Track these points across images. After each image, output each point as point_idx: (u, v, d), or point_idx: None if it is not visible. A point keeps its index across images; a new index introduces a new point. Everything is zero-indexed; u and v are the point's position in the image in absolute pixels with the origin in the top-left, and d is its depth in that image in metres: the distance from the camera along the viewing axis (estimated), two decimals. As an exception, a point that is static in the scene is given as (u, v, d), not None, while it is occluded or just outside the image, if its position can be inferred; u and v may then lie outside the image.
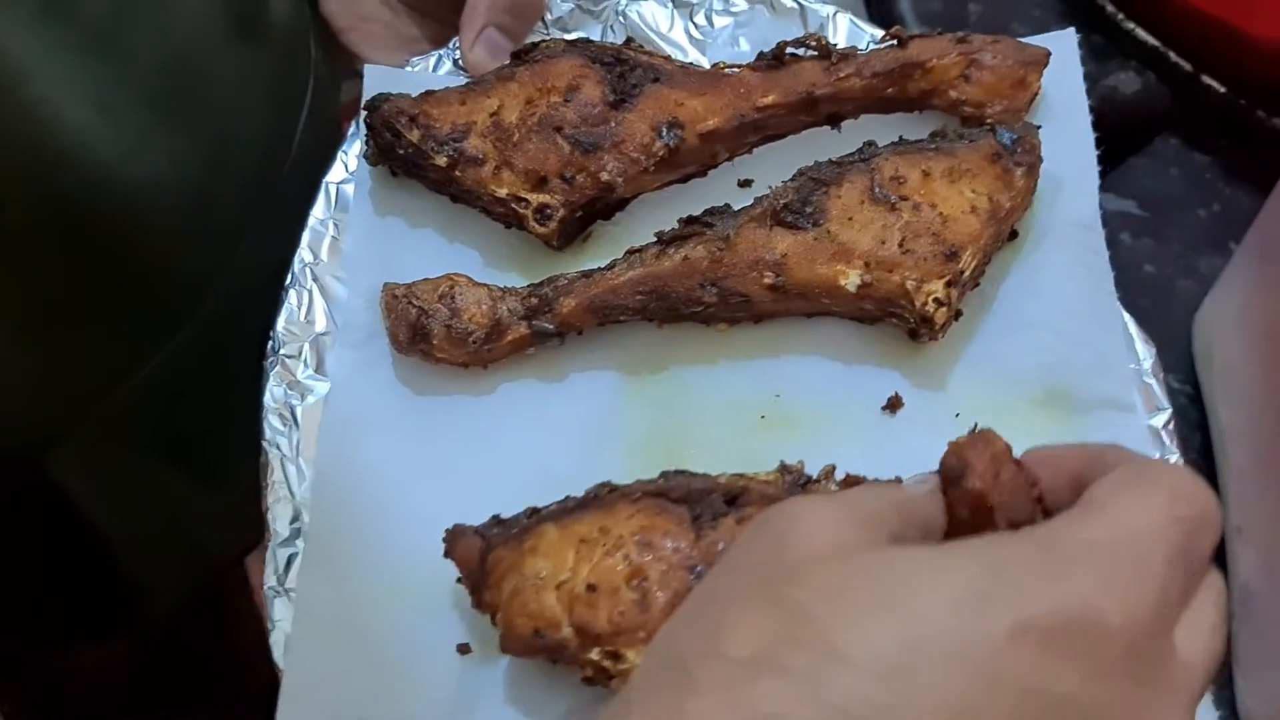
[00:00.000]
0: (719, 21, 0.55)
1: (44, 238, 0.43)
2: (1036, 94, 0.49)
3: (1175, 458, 0.44)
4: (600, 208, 0.51)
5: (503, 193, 0.49)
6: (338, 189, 0.52)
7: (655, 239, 0.48)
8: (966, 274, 0.46)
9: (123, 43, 0.44)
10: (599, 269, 0.48)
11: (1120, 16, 0.63)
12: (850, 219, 0.46)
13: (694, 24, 0.55)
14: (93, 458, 0.50)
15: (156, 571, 0.58)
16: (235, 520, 0.55)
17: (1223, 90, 0.61)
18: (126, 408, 0.49)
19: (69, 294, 0.45)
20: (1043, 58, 0.49)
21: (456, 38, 0.55)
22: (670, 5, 0.55)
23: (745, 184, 0.51)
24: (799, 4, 0.55)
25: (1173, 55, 0.62)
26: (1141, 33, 0.63)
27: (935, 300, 0.45)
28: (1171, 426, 0.45)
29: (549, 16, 0.55)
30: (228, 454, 0.52)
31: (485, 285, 0.48)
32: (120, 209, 0.45)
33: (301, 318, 0.49)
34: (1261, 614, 0.47)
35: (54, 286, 0.45)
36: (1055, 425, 0.45)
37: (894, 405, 0.47)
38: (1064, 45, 0.50)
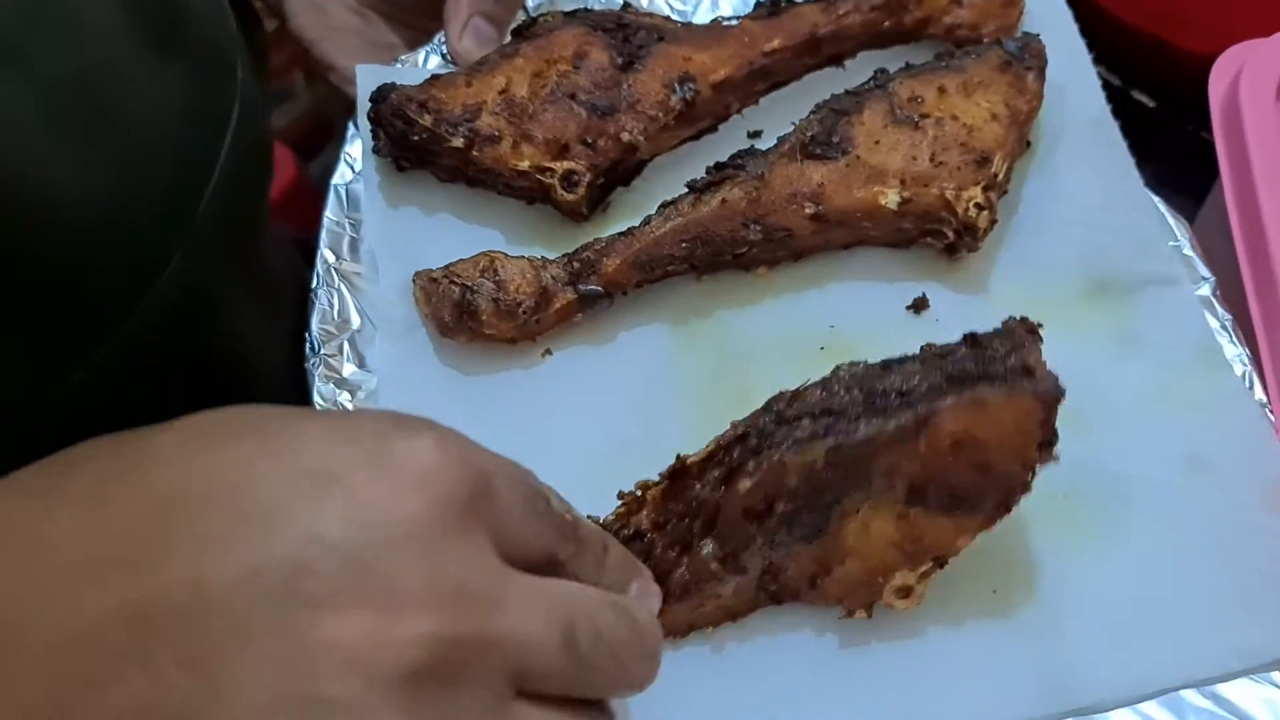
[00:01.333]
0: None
1: None
2: (1023, 10, 0.51)
3: (1227, 317, 0.45)
4: (621, 172, 0.50)
5: (525, 165, 0.48)
6: (347, 189, 0.50)
7: (687, 189, 0.48)
8: (1000, 176, 0.47)
9: (27, 51, 0.41)
10: (637, 226, 0.48)
11: None
12: (877, 143, 0.47)
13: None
14: None
15: None
16: None
17: (1152, 105, 0.62)
18: (33, 433, 0.46)
19: None
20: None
21: (441, 33, 0.54)
22: (655, -26, 0.56)
23: (755, 135, 0.52)
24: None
25: (1102, 70, 0.60)
26: None
27: (976, 205, 0.46)
28: (1219, 293, 0.46)
29: (530, 2, 0.55)
30: None
31: (524, 257, 0.47)
32: (21, 226, 0.42)
33: (335, 317, 0.47)
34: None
35: None
36: (1105, 313, 0.47)
37: (919, 306, 0.47)
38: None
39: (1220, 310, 0.46)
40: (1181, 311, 0.46)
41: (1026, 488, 0.37)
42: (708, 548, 0.39)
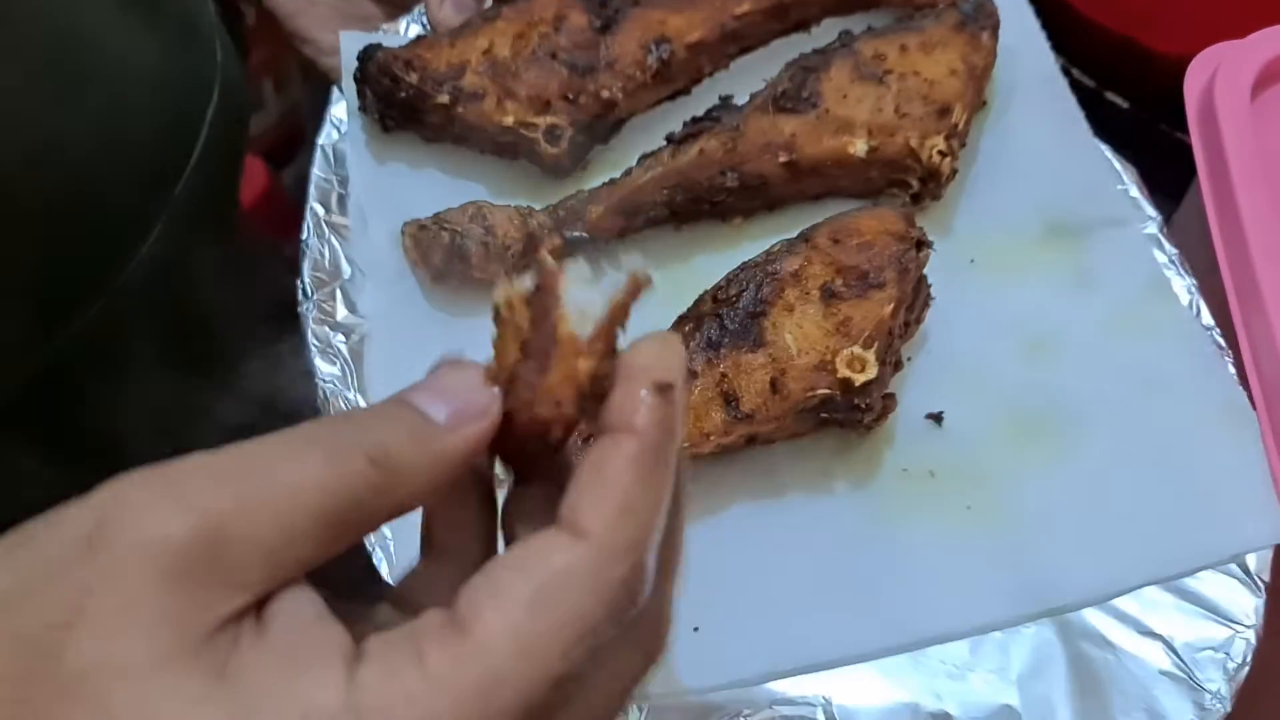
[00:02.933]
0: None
1: None
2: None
3: (1174, 252, 0.49)
4: (600, 129, 0.52)
5: (509, 121, 0.50)
6: (333, 148, 0.52)
7: (666, 141, 0.50)
8: (960, 126, 0.50)
9: (3, 10, 0.42)
10: (619, 177, 0.50)
11: None
12: (845, 96, 0.50)
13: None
14: None
15: None
16: None
17: (1126, 106, 0.63)
18: (10, 401, 0.47)
19: None
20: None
21: (420, 4, 0.56)
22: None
23: (727, 99, 0.54)
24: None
25: (1076, 72, 0.64)
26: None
27: (939, 152, 0.49)
28: (1166, 231, 0.49)
29: (508, -26, 0.57)
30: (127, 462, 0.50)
31: (511, 206, 0.49)
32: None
33: (327, 265, 0.49)
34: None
35: None
36: (1061, 253, 0.49)
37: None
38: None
39: (1167, 246, 0.49)
40: (1131, 248, 0.49)
41: (921, 248, 0.45)
42: None
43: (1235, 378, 0.45)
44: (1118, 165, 0.51)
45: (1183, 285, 0.48)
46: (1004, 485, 0.44)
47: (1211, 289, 0.47)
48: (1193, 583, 0.41)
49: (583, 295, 0.24)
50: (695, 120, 0.50)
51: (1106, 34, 0.62)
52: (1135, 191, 0.50)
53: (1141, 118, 0.63)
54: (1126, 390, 0.46)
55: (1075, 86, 0.55)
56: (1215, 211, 0.47)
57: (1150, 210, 0.50)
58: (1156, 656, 0.40)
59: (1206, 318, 0.47)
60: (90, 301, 0.46)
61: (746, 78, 0.54)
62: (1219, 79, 0.48)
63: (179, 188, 0.49)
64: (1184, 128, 0.48)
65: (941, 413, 0.46)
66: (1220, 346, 0.46)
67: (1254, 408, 0.44)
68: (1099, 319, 0.48)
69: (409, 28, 0.56)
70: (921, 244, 0.45)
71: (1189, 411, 0.45)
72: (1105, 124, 0.53)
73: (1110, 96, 0.63)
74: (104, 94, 0.46)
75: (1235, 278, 0.46)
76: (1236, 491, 0.42)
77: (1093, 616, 0.41)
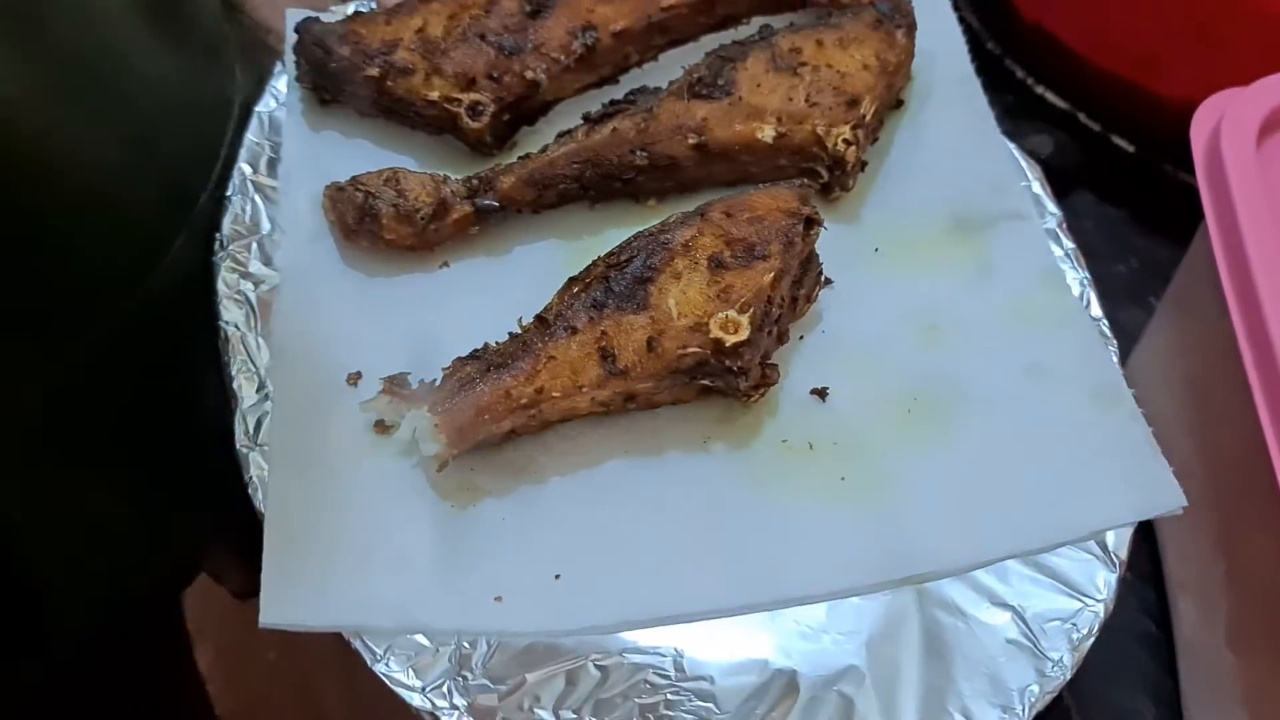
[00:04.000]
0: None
1: None
2: (902, -17, 0.56)
3: (1071, 247, 0.49)
4: (525, 110, 0.54)
5: (435, 96, 0.52)
6: (270, 116, 0.54)
7: (582, 120, 0.52)
8: (868, 117, 0.51)
9: (38, 23, 0.45)
10: (534, 152, 0.51)
11: (1030, 80, 0.66)
12: (758, 86, 0.51)
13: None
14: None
15: (69, 582, 0.56)
16: (162, 545, 0.54)
17: (1131, 150, 0.64)
18: (37, 407, 0.49)
19: None
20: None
21: (368, -11, 0.59)
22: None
23: (654, 90, 0.56)
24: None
25: (1082, 116, 0.65)
26: (1052, 96, 0.65)
27: (844, 141, 0.50)
28: (1065, 226, 0.50)
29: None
30: (153, 468, 0.52)
31: (427, 173, 0.51)
32: (30, 190, 0.45)
33: (247, 221, 0.50)
34: (1204, 666, 0.48)
35: None
36: (964, 245, 0.50)
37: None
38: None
39: (1065, 241, 0.50)
40: (1030, 242, 0.50)
41: (811, 226, 0.47)
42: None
43: (1117, 365, 0.46)
44: (1023, 163, 0.52)
45: (1076, 278, 0.49)
46: (880, 460, 0.44)
47: (1220, 333, 0.46)
48: (1052, 558, 0.41)
49: None
50: (613, 103, 0.52)
51: (1112, 79, 0.63)
52: (1038, 188, 0.51)
53: (1147, 161, 0.63)
54: (1011, 374, 0.46)
55: (1081, 130, 0.56)
56: (1224, 257, 0.46)
57: (1051, 206, 0.51)
58: (1006, 625, 0.40)
59: (1096, 310, 0.48)
60: (116, 306, 0.48)
61: (674, 71, 0.56)
62: (1225, 126, 0.48)
63: (201, 202, 0.52)
64: (1190, 170, 0.48)
65: (826, 388, 0.46)
66: (1105, 336, 0.47)
67: (1266, 453, 0.42)
68: (993, 307, 0.48)
69: (353, 9, 0.58)
70: (812, 221, 0.46)
71: (1067, 396, 0.45)
72: (1111, 167, 0.54)
73: (1116, 140, 0.64)
74: (132, 110, 0.49)
75: (1245, 322, 0.45)
76: (1101, 473, 0.43)
77: (950, 587, 0.41)
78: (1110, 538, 0.41)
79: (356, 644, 0.39)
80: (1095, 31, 0.63)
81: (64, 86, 0.45)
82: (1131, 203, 0.54)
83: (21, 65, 0.43)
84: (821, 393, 0.46)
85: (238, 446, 0.44)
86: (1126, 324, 0.53)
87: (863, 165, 0.52)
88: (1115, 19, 0.62)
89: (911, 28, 0.53)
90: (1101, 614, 0.39)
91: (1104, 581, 0.40)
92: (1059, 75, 0.58)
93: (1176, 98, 0.58)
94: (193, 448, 0.53)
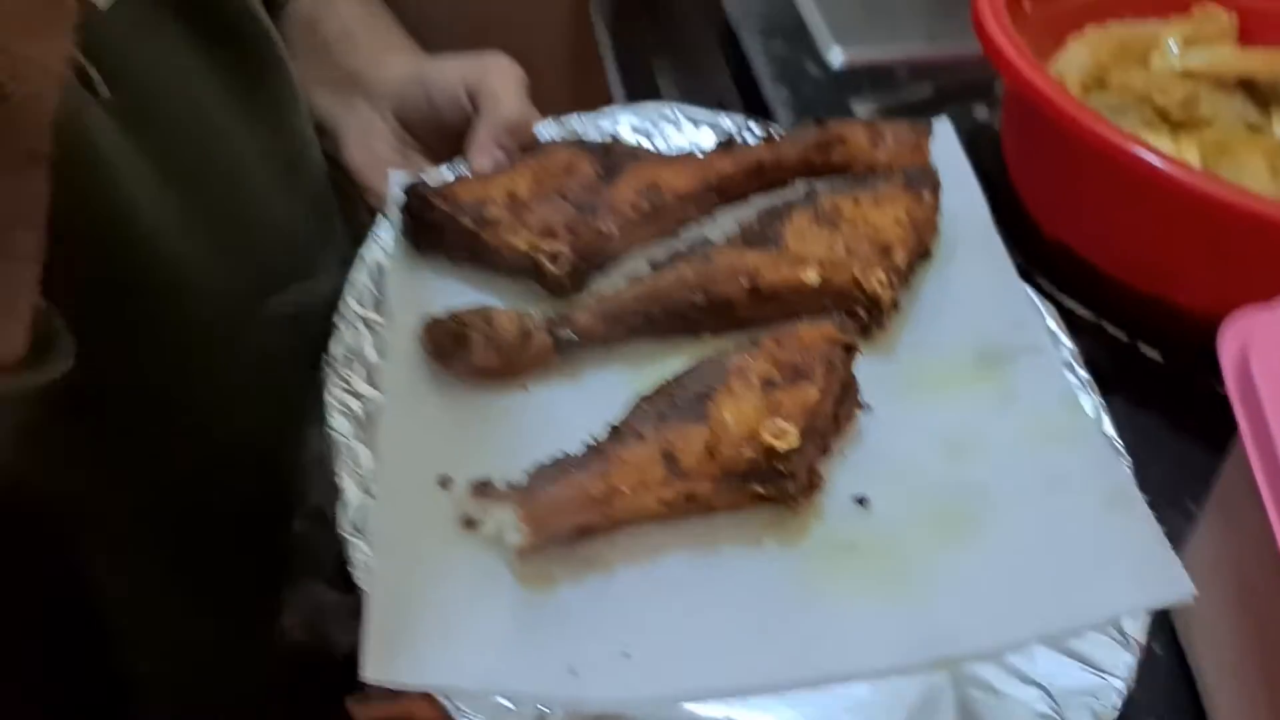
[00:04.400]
0: (675, 139, 0.70)
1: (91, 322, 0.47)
2: (928, 155, 0.64)
3: (1085, 377, 0.55)
4: (598, 258, 0.62)
5: (521, 244, 0.60)
6: (375, 261, 0.62)
7: (650, 267, 0.59)
8: (900, 264, 0.58)
9: (199, 179, 0.54)
10: (607, 293, 0.59)
11: (1056, 291, 0.69)
12: (803, 237, 0.59)
13: (654, 147, 0.70)
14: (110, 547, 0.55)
15: (158, 683, 0.61)
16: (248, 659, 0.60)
17: (1160, 359, 0.67)
18: (145, 505, 0.56)
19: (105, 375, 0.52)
20: (929, 128, 0.64)
21: (461, 157, 0.68)
22: (635, 132, 0.70)
23: (711, 242, 0.64)
24: (736, 125, 0.70)
25: (1109, 327, 0.68)
26: (1078, 307, 0.69)
27: (879, 282, 0.57)
28: (1081, 359, 0.56)
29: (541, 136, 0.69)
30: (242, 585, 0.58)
31: (513, 309, 0.58)
32: (172, 308, 0.54)
33: (352, 346, 0.57)
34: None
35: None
36: (988, 375, 0.56)
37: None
38: (942, 125, 0.66)
39: (1080, 372, 0.56)
40: (1048, 372, 0.56)
41: (849, 351, 0.53)
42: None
43: (1129, 473, 0.51)
44: (1039, 304, 0.59)
45: (1090, 402, 0.54)
46: (916, 557, 0.49)
47: (1265, 543, 0.45)
48: (1076, 641, 0.45)
49: None
50: (676, 252, 0.60)
51: (1133, 292, 0.67)
52: (1054, 325, 0.58)
53: (1176, 369, 0.67)
54: (1033, 483, 0.51)
55: (1109, 339, 0.59)
56: (1264, 476, 0.46)
57: (1067, 342, 0.57)
58: (1035, 699, 0.44)
59: (1108, 428, 0.53)
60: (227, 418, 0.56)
61: (728, 226, 0.63)
62: (1254, 348, 0.48)
63: (305, 331, 0.60)
64: (1219, 379, 0.49)
65: (866, 496, 0.52)
66: (1118, 451, 0.52)
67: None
68: (1016, 428, 0.54)
69: (445, 170, 0.67)
70: (850, 347, 0.53)
71: (1084, 500, 0.50)
72: (1139, 376, 0.57)
73: (1144, 349, 0.68)
74: (260, 244, 0.57)
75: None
76: (1116, 566, 0.47)
77: (981, 666, 0.45)
78: (1127, 623, 0.45)
79: (446, 703, 0.44)
80: (1113, 248, 0.67)
81: (207, 222, 0.53)
82: (1164, 408, 0.57)
83: (177, 200, 0.51)
84: (862, 500, 0.51)
85: (342, 534, 0.49)
86: (1167, 528, 0.51)
87: (896, 306, 0.58)
88: (1130, 237, 0.67)
89: (937, 188, 0.61)
90: (1123, 690, 0.43)
91: (1124, 662, 0.44)
92: (1082, 287, 0.62)
93: (1199, 309, 0.61)
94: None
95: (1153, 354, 0.67)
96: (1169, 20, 0.80)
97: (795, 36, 0.95)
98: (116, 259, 0.48)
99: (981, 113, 0.85)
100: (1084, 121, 0.62)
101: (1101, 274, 0.67)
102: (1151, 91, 0.74)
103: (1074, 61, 0.77)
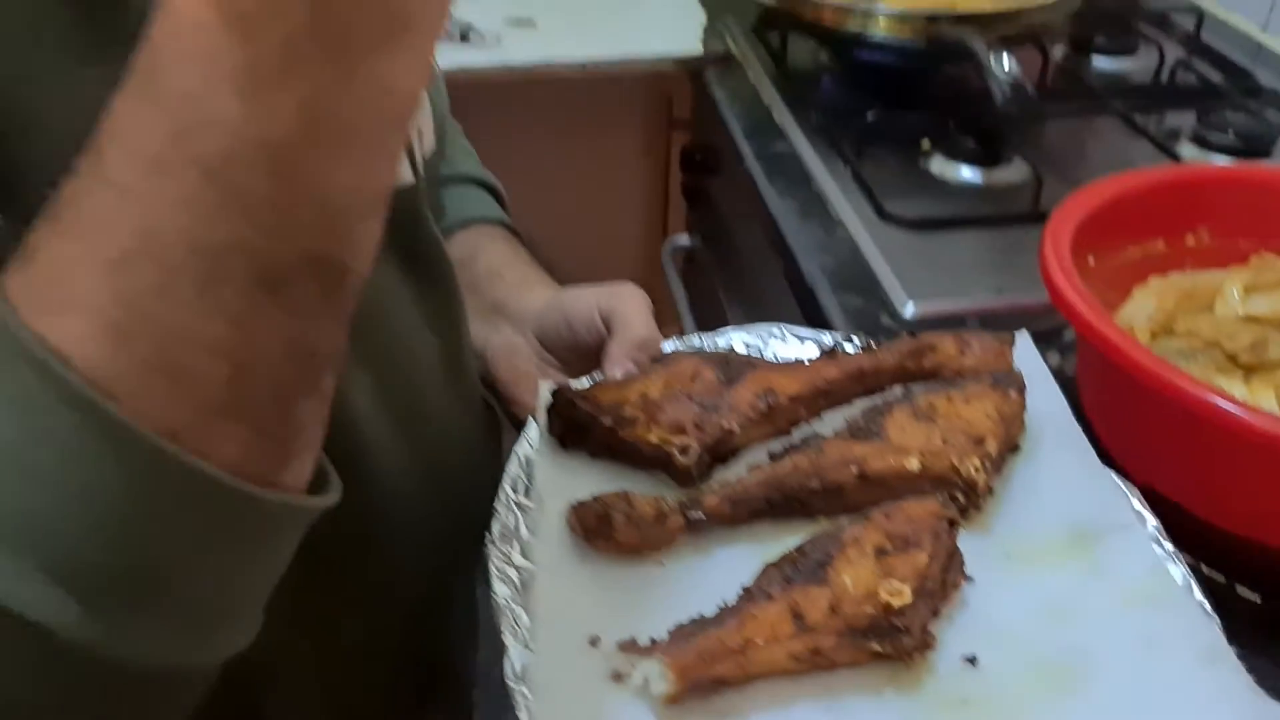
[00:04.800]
0: (783, 352, 0.79)
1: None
2: (1011, 361, 0.72)
3: (1171, 549, 0.60)
4: (721, 452, 0.70)
5: (653, 439, 0.69)
6: (524, 456, 0.71)
7: (769, 457, 0.67)
8: (992, 452, 0.65)
9: (385, 346, 0.64)
10: (731, 481, 0.67)
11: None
12: (903, 431, 0.67)
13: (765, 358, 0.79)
14: None
15: None
16: None
17: (1258, 601, 0.68)
18: (322, 665, 0.63)
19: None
20: (1011, 338, 0.73)
21: (598, 371, 0.77)
22: (747, 348, 0.80)
23: (821, 437, 0.72)
24: (835, 340, 0.79)
25: (1205, 568, 0.68)
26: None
27: (975, 468, 0.64)
28: (1164, 532, 0.62)
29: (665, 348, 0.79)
30: None
31: (650, 495, 0.66)
32: (353, 482, 0.62)
33: (509, 528, 0.66)
34: None
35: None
36: (1081, 551, 0.62)
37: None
38: (1023, 336, 0.75)
39: (1166, 544, 0.61)
40: (1138, 546, 0.61)
41: (953, 523, 0.60)
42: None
43: (1220, 632, 0.55)
44: (1123, 486, 0.65)
45: (1179, 571, 0.60)
46: (1026, 711, 0.54)
47: None
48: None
49: None
50: (791, 445, 0.68)
51: (1227, 536, 0.68)
52: (1138, 505, 0.64)
53: (1276, 610, 0.68)
54: (1129, 645, 0.56)
55: (1206, 583, 0.59)
56: None
57: (1151, 519, 0.63)
58: (1144, 833, 0.47)
59: (1198, 594, 0.58)
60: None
61: (836, 424, 0.72)
62: None
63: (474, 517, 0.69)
64: None
65: (975, 656, 0.57)
66: (1208, 614, 0.57)
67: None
68: (1110, 594, 0.59)
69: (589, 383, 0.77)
70: (953, 521, 0.59)
71: (1179, 658, 0.55)
72: (1238, 616, 0.57)
73: (1241, 591, 0.69)
74: (429, 432, 0.67)
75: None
76: (1211, 716, 0.51)
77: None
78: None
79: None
80: (1200, 492, 0.69)
81: (391, 408, 0.63)
82: (1263, 654, 0.56)
83: (371, 383, 0.61)
84: (972, 659, 0.57)
85: (508, 683, 0.56)
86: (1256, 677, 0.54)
87: (990, 490, 0.65)
88: (1217, 481, 0.69)
89: (1022, 388, 0.68)
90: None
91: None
92: (1176, 531, 0.63)
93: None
94: None
95: (1251, 596, 0.69)
96: (1229, 270, 0.85)
97: (869, 291, 1.03)
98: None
99: (1053, 359, 0.88)
100: (1159, 371, 0.65)
101: (1192, 516, 0.68)
102: (1220, 337, 0.77)
103: (1141, 310, 0.82)
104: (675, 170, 1.77)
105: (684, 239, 1.74)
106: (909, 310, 0.99)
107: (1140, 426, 0.72)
